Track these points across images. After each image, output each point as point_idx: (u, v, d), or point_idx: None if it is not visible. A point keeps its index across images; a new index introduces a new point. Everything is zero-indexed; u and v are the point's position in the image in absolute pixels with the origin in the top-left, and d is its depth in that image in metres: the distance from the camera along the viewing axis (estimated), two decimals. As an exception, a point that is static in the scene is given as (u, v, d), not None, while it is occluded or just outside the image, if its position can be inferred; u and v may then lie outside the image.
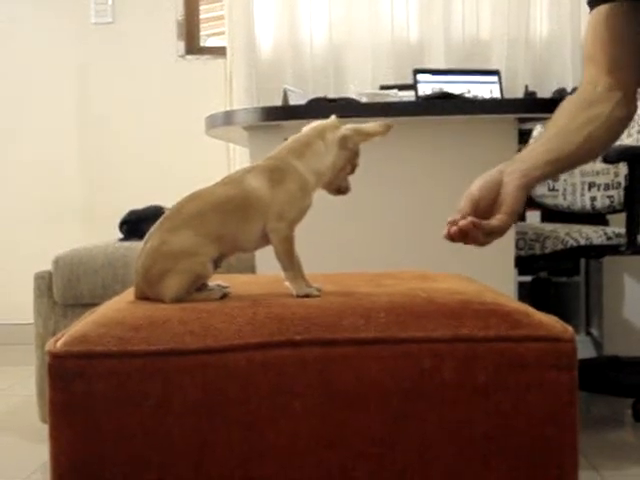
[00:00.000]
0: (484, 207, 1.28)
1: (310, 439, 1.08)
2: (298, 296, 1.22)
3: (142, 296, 1.25)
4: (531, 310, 1.18)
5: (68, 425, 1.09)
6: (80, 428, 1.08)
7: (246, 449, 1.08)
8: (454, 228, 1.22)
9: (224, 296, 1.23)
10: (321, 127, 1.30)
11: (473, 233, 1.22)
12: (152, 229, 1.25)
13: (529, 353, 1.09)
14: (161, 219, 1.25)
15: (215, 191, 1.26)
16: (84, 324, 1.16)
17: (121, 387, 1.08)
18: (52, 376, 1.09)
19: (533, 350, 1.09)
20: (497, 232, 1.25)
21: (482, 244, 1.25)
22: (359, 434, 1.08)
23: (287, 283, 1.25)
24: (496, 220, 1.25)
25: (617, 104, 1.42)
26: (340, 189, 1.32)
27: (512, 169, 1.31)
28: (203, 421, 1.08)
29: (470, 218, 1.23)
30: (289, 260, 1.24)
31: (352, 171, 1.32)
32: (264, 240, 1.25)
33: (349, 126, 1.29)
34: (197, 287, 1.23)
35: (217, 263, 1.24)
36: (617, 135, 1.46)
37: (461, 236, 1.22)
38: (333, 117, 1.33)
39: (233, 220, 1.23)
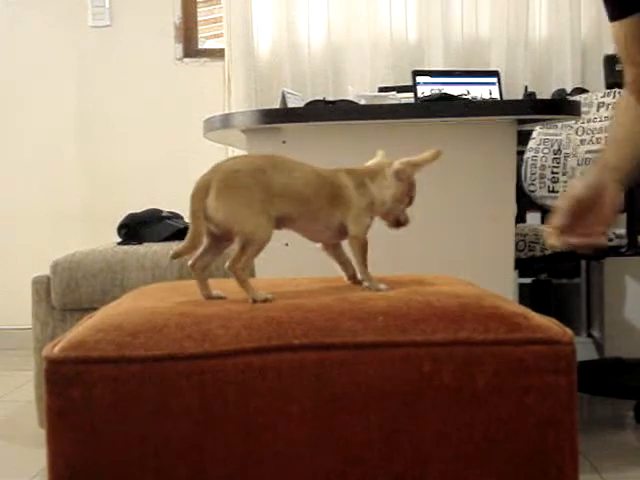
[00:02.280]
0: (584, 207, 1.41)
1: (308, 443, 1.08)
2: (377, 290, 1.28)
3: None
4: (530, 313, 1.17)
5: (66, 430, 1.08)
6: (78, 433, 1.08)
7: (244, 454, 1.08)
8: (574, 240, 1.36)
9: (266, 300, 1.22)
10: (380, 162, 1.39)
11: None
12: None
13: (528, 356, 1.09)
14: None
15: (310, 168, 1.30)
16: (81, 329, 1.15)
17: (119, 392, 1.07)
18: (49, 381, 1.08)
19: (532, 353, 1.09)
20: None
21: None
22: (358, 438, 1.08)
23: (364, 282, 1.31)
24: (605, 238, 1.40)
25: None
26: (399, 221, 1.38)
27: (610, 171, 1.43)
28: (201, 426, 1.07)
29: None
30: (365, 261, 1.31)
31: (410, 203, 1.37)
32: (337, 234, 1.31)
33: (402, 160, 1.37)
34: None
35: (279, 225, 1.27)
36: None
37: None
38: (381, 152, 1.42)
39: (323, 198, 1.28)
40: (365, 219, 1.31)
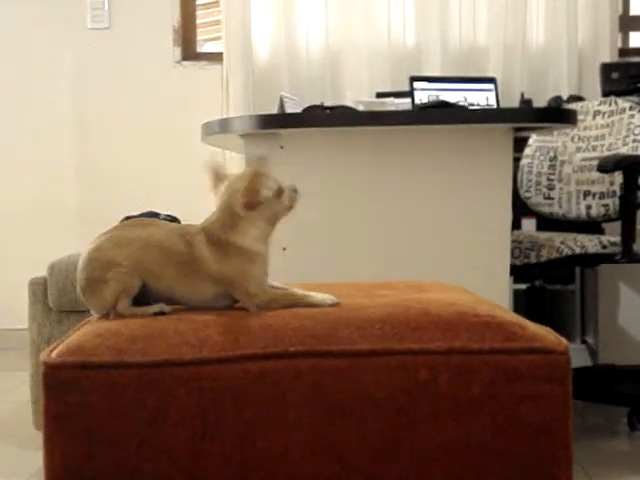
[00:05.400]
0: None
1: (304, 450, 1.08)
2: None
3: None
4: (525, 322, 1.18)
5: (63, 435, 1.09)
6: (75, 438, 1.08)
7: (241, 459, 1.08)
8: None
9: (161, 313, 1.22)
10: (226, 201, 1.32)
11: None
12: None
13: (523, 365, 1.10)
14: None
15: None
16: (79, 334, 1.16)
17: (116, 398, 1.08)
18: (47, 386, 1.09)
19: (527, 362, 1.10)
20: None
21: None
22: (354, 445, 1.09)
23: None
24: None
25: None
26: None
27: None
28: (198, 432, 1.08)
29: None
30: None
31: (289, 207, 1.32)
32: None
33: (240, 191, 1.28)
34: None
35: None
36: None
37: None
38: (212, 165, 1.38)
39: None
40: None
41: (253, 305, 1.22)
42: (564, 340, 1.14)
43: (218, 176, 1.33)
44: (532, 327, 1.16)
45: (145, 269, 1.23)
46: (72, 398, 1.07)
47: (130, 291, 1.22)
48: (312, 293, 1.26)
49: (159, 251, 1.24)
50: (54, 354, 1.10)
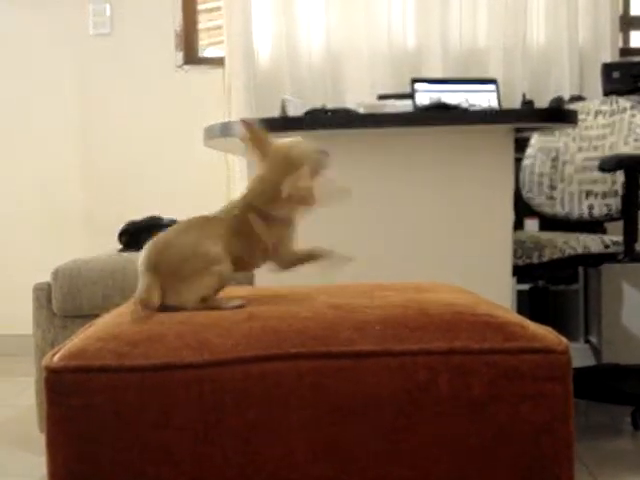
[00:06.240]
0: None
1: (306, 452, 1.09)
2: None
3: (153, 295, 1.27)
4: (526, 321, 1.18)
5: (66, 439, 1.09)
6: (78, 442, 1.09)
7: (242, 462, 1.08)
8: None
9: (241, 306, 1.29)
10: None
11: None
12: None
13: (523, 365, 1.10)
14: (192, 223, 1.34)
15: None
16: (81, 338, 1.16)
17: (118, 401, 1.08)
18: (49, 390, 1.09)
19: (527, 362, 1.10)
20: None
21: None
22: (355, 447, 1.09)
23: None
24: None
25: None
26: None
27: None
28: (200, 434, 1.08)
29: None
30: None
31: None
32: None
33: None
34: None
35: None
36: None
37: None
38: None
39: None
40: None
41: (283, 264, 1.36)
42: (564, 339, 1.14)
43: (259, 140, 1.37)
44: (532, 327, 1.16)
45: (233, 259, 1.32)
46: (74, 402, 1.08)
47: (226, 284, 1.32)
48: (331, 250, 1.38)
49: (236, 237, 1.32)
50: (56, 358, 1.11)
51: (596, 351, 3.42)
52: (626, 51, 4.04)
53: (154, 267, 1.28)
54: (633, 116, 2.77)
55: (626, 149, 2.73)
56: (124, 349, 1.10)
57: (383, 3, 4.01)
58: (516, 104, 3.76)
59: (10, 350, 3.94)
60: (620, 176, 2.63)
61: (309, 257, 1.36)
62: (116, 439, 1.08)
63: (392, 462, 1.09)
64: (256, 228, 1.32)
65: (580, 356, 3.33)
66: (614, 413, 2.80)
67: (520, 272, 2.71)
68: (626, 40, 4.13)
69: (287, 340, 1.10)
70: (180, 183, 4.06)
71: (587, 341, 3.49)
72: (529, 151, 3.10)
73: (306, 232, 1.35)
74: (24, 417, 2.85)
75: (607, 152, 2.80)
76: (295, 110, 2.67)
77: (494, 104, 3.47)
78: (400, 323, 1.14)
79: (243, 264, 1.36)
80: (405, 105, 3.00)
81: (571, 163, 2.95)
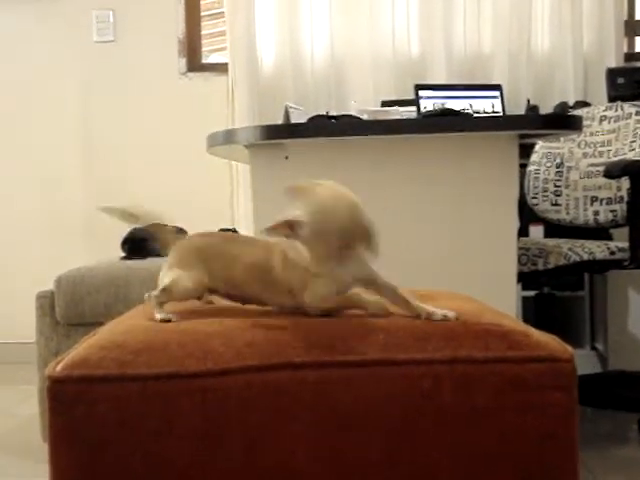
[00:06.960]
0: None
1: (310, 461, 1.08)
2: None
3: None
4: (530, 330, 1.17)
5: (68, 449, 1.09)
6: (80, 452, 1.08)
7: (246, 471, 1.08)
8: None
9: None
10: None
11: None
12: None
13: (528, 374, 1.09)
14: None
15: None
16: (84, 347, 1.16)
17: (121, 411, 1.07)
18: (52, 400, 1.09)
19: (532, 371, 1.09)
20: None
21: None
22: (358, 456, 1.08)
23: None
24: None
25: None
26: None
27: None
28: (203, 444, 1.07)
29: None
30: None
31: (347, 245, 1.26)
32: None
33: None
34: None
35: None
36: None
37: None
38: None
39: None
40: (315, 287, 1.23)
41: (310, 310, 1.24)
42: (569, 348, 1.13)
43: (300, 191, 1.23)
44: (536, 335, 1.15)
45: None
46: (77, 411, 1.07)
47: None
48: (366, 297, 1.25)
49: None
50: (59, 368, 1.10)
51: (602, 358, 3.40)
52: (631, 56, 4.03)
53: None
54: (638, 122, 2.76)
55: (631, 155, 2.72)
56: (127, 358, 1.09)
57: (387, 9, 4.02)
58: (520, 110, 3.76)
59: (12, 358, 3.93)
60: (625, 182, 2.63)
61: (344, 307, 1.25)
62: (119, 448, 1.08)
63: (396, 471, 1.08)
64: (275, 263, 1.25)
65: (586, 363, 3.31)
66: (620, 420, 2.78)
67: (525, 279, 2.71)
68: (631, 45, 4.12)
69: (290, 349, 1.10)
70: (183, 190, 4.05)
71: (593, 348, 3.47)
72: (534, 157, 3.10)
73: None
74: (26, 426, 2.84)
75: (612, 158, 2.79)
76: (298, 117, 2.67)
77: (498, 110, 3.46)
78: (404, 332, 1.13)
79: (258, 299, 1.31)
80: (409, 111, 3.00)
81: (576, 169, 2.94)
